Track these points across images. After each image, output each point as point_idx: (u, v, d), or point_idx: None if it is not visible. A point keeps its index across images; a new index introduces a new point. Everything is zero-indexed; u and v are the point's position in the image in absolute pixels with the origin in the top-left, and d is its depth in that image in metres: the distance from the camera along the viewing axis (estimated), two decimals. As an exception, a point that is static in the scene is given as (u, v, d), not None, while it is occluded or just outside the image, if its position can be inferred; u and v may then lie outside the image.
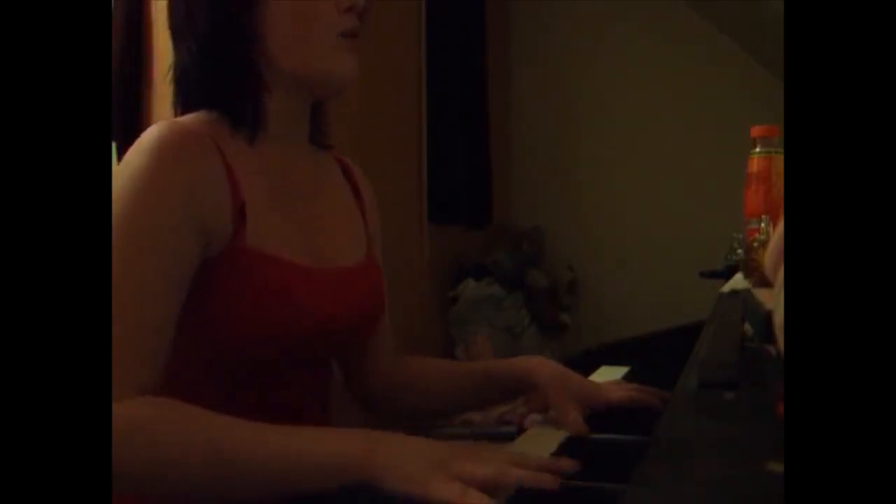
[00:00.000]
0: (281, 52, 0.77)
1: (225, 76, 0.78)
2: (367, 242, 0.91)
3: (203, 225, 0.72)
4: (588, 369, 1.22)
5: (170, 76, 0.80)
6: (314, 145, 0.90)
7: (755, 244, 1.03)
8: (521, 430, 0.87)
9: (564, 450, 0.79)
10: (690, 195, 3.55)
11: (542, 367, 0.90)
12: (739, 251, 1.29)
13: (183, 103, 0.81)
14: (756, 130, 1.18)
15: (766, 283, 0.95)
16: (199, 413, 0.65)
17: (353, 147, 2.56)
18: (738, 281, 1.20)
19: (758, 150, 1.17)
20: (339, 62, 0.79)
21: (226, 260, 0.73)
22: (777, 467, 0.32)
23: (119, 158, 1.29)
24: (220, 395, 0.73)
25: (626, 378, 1.15)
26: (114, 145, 1.73)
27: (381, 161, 2.73)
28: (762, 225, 1.04)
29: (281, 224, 0.78)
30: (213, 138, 0.75)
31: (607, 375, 1.18)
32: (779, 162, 1.16)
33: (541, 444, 0.80)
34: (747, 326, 0.74)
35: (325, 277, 0.81)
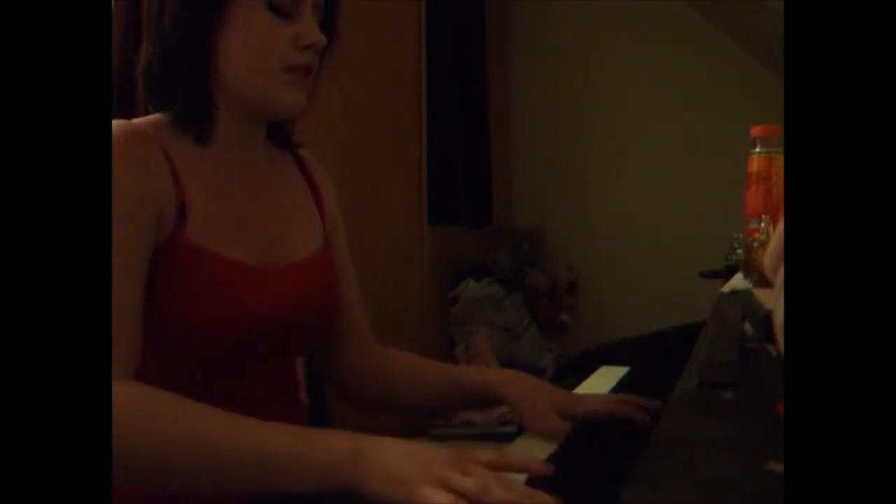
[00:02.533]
0: (229, 75, 0.79)
1: (179, 80, 0.79)
2: (323, 235, 0.93)
3: (154, 211, 0.74)
4: (588, 369, 1.22)
5: (139, 69, 0.81)
6: (275, 145, 0.92)
7: (755, 244, 1.03)
8: (521, 430, 0.87)
9: (562, 450, 0.79)
10: (690, 195, 3.55)
11: (513, 383, 0.89)
12: (739, 251, 1.29)
13: (148, 102, 0.82)
14: (756, 130, 1.18)
15: (766, 283, 0.95)
16: (182, 403, 0.65)
17: (353, 147, 2.57)
18: (738, 281, 1.20)
19: (758, 150, 1.17)
20: (280, 95, 0.80)
21: (166, 253, 0.75)
22: (777, 467, 0.32)
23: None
24: (182, 388, 0.73)
25: (626, 378, 1.15)
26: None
27: (381, 161, 2.73)
28: (762, 225, 1.04)
29: (224, 224, 0.80)
30: (160, 140, 0.78)
31: (607, 375, 1.17)
32: (779, 162, 1.16)
33: (537, 446, 0.80)
34: (747, 326, 0.74)
35: (268, 274, 0.81)
